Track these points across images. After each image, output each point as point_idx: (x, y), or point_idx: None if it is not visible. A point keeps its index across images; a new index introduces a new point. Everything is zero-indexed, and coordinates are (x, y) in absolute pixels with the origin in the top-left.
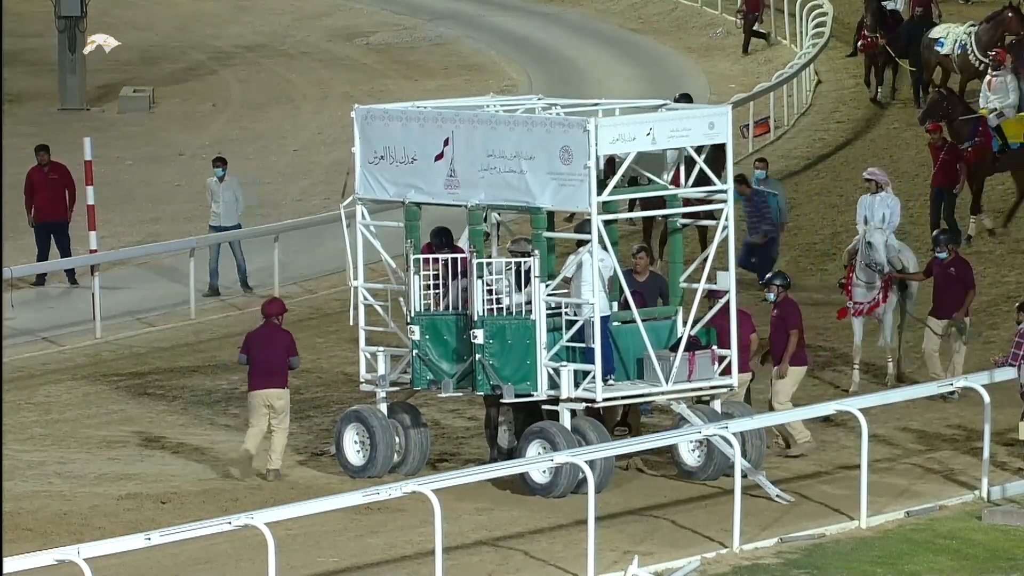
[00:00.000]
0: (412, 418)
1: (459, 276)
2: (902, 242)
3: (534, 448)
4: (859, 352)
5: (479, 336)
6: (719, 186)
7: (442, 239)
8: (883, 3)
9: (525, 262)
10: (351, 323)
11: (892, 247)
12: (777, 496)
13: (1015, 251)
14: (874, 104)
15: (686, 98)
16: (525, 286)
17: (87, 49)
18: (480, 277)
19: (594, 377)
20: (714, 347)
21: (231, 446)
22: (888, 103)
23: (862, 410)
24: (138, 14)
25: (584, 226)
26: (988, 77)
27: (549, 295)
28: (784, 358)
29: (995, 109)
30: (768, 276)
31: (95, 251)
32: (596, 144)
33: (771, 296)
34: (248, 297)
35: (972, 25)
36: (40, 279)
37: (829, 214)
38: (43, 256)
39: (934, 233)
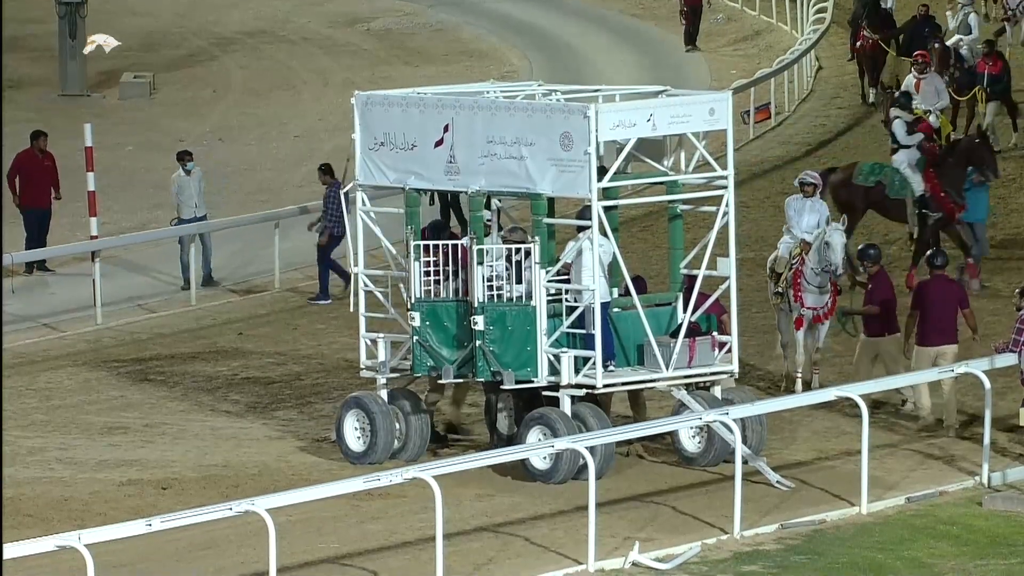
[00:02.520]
0: (412, 404)
1: (459, 268)
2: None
3: (534, 434)
4: (803, 366)
5: (479, 322)
6: (719, 172)
7: (437, 234)
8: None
9: (518, 250)
10: (351, 310)
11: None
12: (777, 482)
13: (1015, 241)
14: (869, 106)
15: (906, 96)
16: (519, 276)
17: (87, 49)
18: (480, 264)
19: (594, 363)
20: (714, 333)
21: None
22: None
23: (863, 396)
24: (139, 0)
25: (585, 212)
26: (915, 79)
27: (549, 281)
28: (906, 338)
29: (928, 111)
30: (860, 248)
31: (95, 237)
32: (596, 130)
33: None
34: (247, 286)
35: None
36: (29, 267)
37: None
38: (33, 242)
39: (860, 247)
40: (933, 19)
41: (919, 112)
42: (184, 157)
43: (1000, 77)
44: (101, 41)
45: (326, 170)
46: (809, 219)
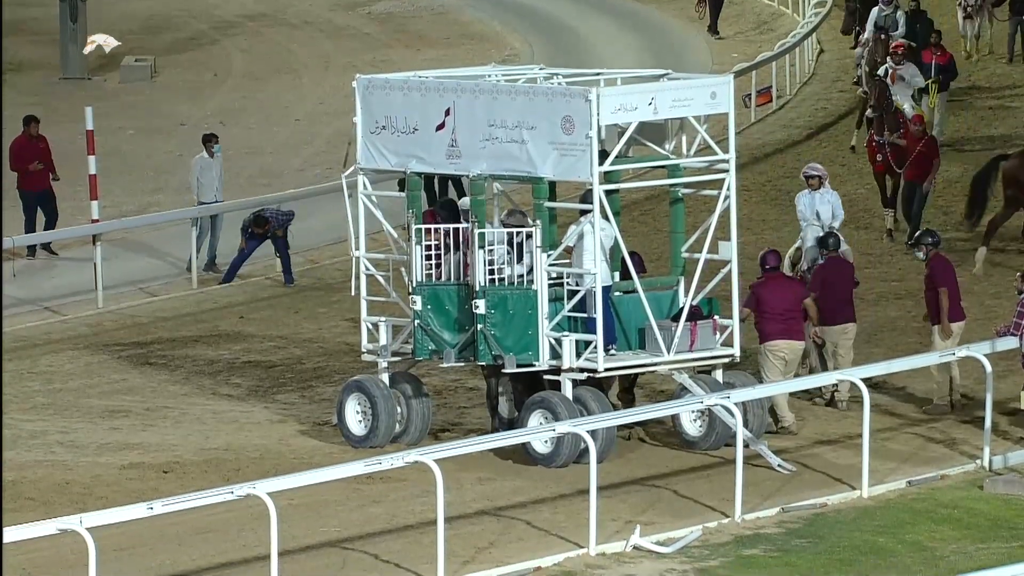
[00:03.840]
0: (414, 388)
1: (452, 250)
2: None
3: (536, 418)
4: (815, 358)
5: (481, 306)
6: (721, 156)
7: (447, 212)
8: None
9: (519, 233)
10: (352, 293)
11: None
12: (779, 466)
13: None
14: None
15: None
16: (520, 259)
17: (87, 49)
18: (482, 247)
19: (596, 347)
20: (716, 317)
21: None
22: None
23: (864, 380)
24: None
25: (587, 195)
26: (891, 70)
27: (551, 265)
28: (941, 317)
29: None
30: (917, 235)
31: (96, 221)
32: (598, 114)
33: (920, 255)
34: (248, 269)
35: None
36: (32, 250)
37: (832, 184)
38: (32, 226)
39: (820, 235)
40: (925, 13)
41: (898, 105)
42: (211, 140)
43: (948, 67)
44: (101, 41)
45: (260, 223)
46: (821, 211)
